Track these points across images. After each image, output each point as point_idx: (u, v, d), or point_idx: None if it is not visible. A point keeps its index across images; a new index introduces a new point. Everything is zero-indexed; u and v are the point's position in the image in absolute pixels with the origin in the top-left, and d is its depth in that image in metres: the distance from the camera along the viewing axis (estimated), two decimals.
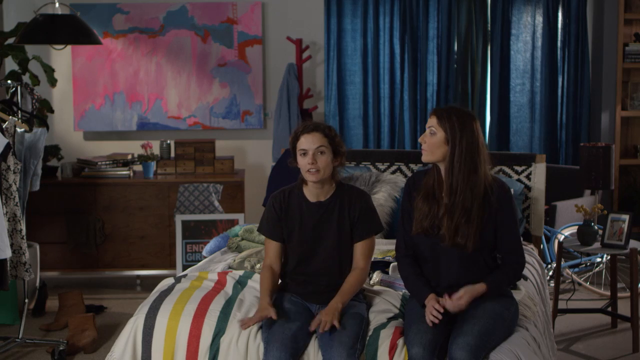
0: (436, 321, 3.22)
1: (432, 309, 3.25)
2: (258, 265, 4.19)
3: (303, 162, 3.44)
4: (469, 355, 3.10)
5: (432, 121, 3.37)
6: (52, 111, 6.48)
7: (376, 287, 3.85)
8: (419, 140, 3.40)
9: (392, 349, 3.28)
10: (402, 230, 3.52)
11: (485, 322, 3.22)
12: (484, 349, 3.16)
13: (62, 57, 7.26)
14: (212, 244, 4.99)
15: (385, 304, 3.62)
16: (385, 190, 5.05)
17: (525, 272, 4.20)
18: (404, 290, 3.80)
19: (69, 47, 7.10)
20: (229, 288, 3.81)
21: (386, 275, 3.99)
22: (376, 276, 3.98)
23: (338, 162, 3.49)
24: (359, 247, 3.53)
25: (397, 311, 3.56)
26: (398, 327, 3.40)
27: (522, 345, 3.24)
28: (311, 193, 3.54)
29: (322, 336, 3.29)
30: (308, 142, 3.43)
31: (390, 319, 3.49)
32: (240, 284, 3.88)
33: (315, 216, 3.52)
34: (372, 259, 4.25)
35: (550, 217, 6.21)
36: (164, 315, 3.52)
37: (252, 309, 3.57)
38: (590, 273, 6.36)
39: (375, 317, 3.48)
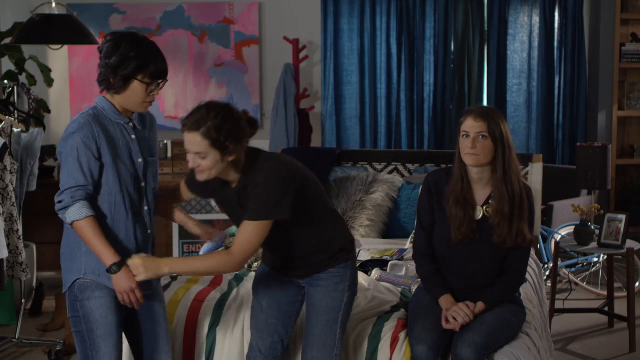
0: (457, 325, 3.21)
1: (461, 311, 3.23)
2: (255, 264, 4.20)
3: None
4: (474, 352, 3.11)
5: (479, 126, 3.24)
6: (48, 111, 6.47)
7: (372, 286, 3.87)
8: (467, 145, 3.25)
9: (394, 342, 3.30)
10: (420, 230, 3.45)
11: (493, 324, 3.23)
12: (488, 349, 3.17)
13: (58, 57, 7.25)
14: (209, 244, 4.99)
15: (386, 293, 3.68)
16: (383, 190, 5.05)
17: None
18: (402, 287, 3.82)
19: (65, 47, 7.09)
20: (224, 284, 3.85)
21: (385, 272, 4.00)
22: (375, 273, 4.00)
23: (234, 157, 2.93)
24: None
25: (398, 300, 3.59)
26: (401, 319, 3.41)
27: (523, 349, 3.25)
28: None
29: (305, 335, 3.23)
30: (186, 143, 2.90)
31: (393, 308, 3.51)
32: (236, 280, 3.91)
33: (231, 200, 3.08)
34: (370, 258, 4.26)
35: (547, 217, 6.21)
36: None
37: (246, 302, 3.60)
38: (587, 273, 6.36)
39: (378, 304, 3.52)
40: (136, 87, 2.95)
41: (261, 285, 3.27)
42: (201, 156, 2.87)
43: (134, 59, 2.91)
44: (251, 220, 2.91)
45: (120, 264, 2.88)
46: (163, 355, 3.15)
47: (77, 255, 2.98)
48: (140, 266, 2.90)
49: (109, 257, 2.88)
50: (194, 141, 2.86)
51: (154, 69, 2.94)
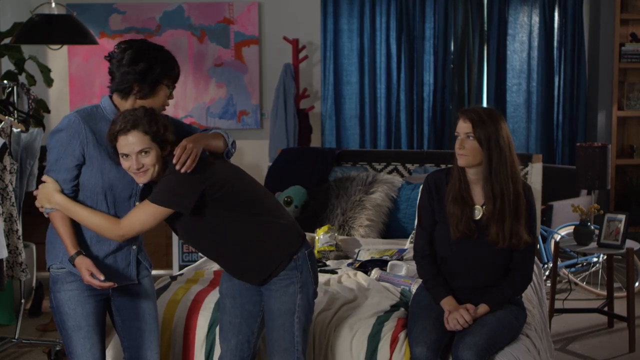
0: (459, 328, 3.21)
1: (462, 318, 3.23)
2: None
3: (126, 165, 2.95)
4: (475, 355, 3.10)
5: (466, 127, 3.26)
6: (48, 111, 6.46)
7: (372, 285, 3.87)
8: (457, 146, 3.28)
9: (394, 342, 3.29)
10: (420, 231, 3.46)
11: (494, 327, 3.22)
12: (489, 351, 3.17)
13: (58, 57, 7.25)
14: None
15: (386, 292, 3.66)
16: (382, 190, 5.05)
17: None
18: (402, 287, 3.82)
19: (65, 47, 7.09)
20: None
21: (384, 272, 4.00)
22: (375, 273, 4.00)
23: (167, 151, 2.98)
24: None
25: (398, 300, 3.58)
26: (401, 318, 3.41)
27: (522, 350, 3.25)
28: None
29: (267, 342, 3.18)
30: (128, 145, 2.91)
31: (393, 307, 3.51)
32: None
33: None
34: (370, 258, 4.27)
35: (547, 217, 6.21)
36: (160, 307, 3.55)
37: None
38: (587, 273, 6.36)
39: (377, 304, 3.52)
40: (162, 92, 3.04)
41: (225, 285, 3.25)
42: (144, 151, 2.91)
43: (160, 63, 3.01)
44: (150, 202, 2.94)
45: (78, 254, 2.99)
46: (148, 352, 3.15)
47: (58, 243, 3.09)
48: (39, 192, 3.02)
49: (70, 248, 3.01)
50: (136, 140, 2.89)
51: (178, 71, 3.07)
